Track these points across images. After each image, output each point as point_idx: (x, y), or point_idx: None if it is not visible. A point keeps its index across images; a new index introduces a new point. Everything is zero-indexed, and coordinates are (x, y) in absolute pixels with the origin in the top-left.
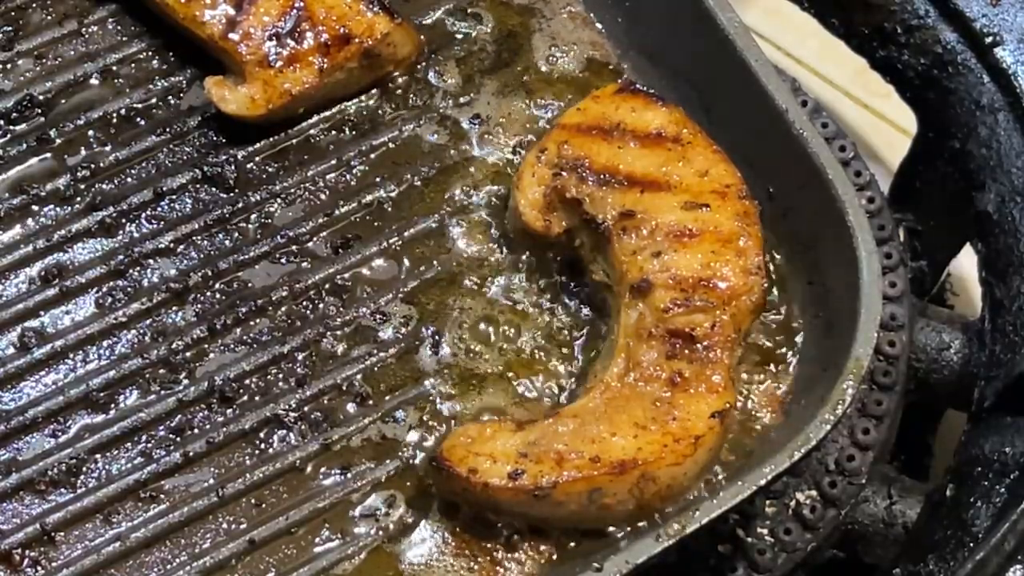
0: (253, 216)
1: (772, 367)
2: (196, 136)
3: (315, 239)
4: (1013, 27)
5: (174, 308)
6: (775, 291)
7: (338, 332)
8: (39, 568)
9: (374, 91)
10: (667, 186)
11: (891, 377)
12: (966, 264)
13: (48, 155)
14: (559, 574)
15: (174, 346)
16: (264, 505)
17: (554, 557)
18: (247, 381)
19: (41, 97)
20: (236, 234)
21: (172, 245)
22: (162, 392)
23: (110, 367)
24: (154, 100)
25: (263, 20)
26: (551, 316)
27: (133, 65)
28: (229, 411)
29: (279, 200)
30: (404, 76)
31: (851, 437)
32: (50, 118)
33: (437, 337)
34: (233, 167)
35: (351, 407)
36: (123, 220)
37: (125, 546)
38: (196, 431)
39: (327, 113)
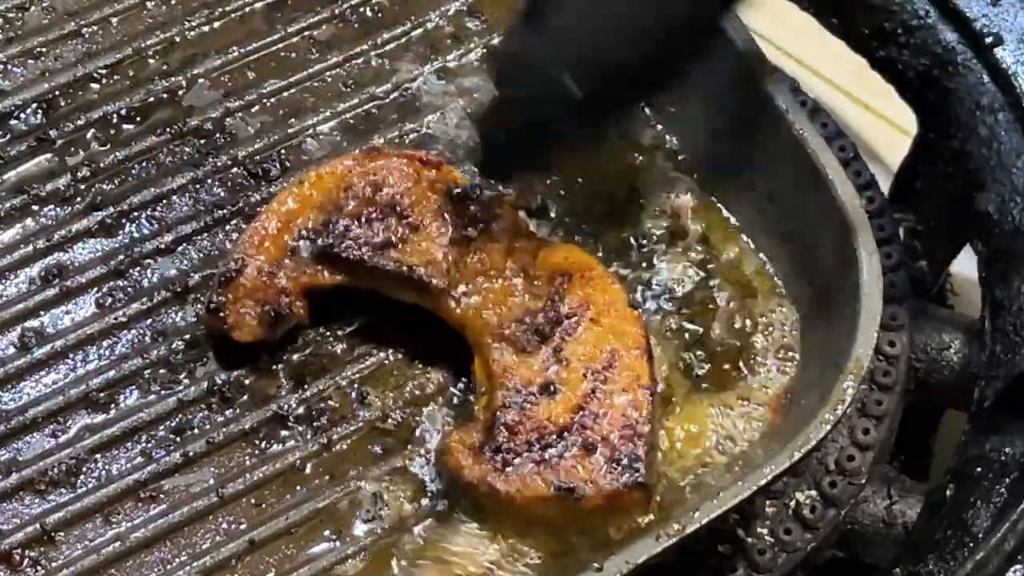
0: (253, 216)
1: (772, 367)
2: (196, 136)
3: None
4: (1013, 27)
5: (174, 308)
6: (775, 291)
7: (338, 332)
8: (39, 568)
9: (372, 94)
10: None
11: (891, 377)
12: (966, 264)
13: (48, 155)
14: (559, 574)
15: (174, 346)
16: (264, 505)
17: (554, 557)
18: (247, 381)
19: (41, 97)
20: (236, 234)
21: (172, 245)
22: (162, 392)
23: (110, 367)
24: (154, 100)
25: None
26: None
27: (133, 65)
28: (229, 411)
29: None
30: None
31: (851, 437)
32: (50, 118)
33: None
34: (233, 167)
35: (351, 407)
36: (123, 220)
37: (125, 546)
38: (196, 431)
39: (327, 114)
